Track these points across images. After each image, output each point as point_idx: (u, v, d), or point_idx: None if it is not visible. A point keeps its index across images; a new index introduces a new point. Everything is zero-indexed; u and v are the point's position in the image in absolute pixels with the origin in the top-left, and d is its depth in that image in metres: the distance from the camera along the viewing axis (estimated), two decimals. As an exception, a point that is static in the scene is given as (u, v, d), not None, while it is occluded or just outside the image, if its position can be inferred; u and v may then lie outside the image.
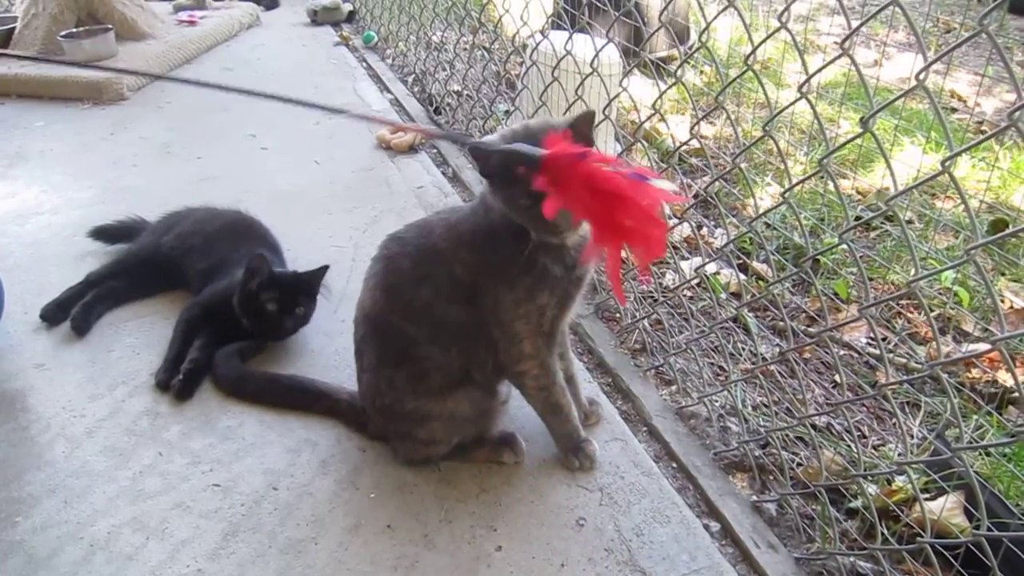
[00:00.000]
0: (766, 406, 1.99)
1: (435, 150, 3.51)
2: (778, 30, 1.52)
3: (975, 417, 1.94)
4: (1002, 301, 2.36)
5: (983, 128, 3.59)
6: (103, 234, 2.63)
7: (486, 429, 1.81)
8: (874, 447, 1.93)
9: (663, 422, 1.98)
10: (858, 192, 3.04)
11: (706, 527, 1.71)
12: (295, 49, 5.06)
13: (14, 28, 4.46)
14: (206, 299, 2.23)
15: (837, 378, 2.11)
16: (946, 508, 1.58)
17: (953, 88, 3.98)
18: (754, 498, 1.78)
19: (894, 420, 1.96)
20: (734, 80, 1.82)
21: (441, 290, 1.64)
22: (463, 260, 1.63)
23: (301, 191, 3.08)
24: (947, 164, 1.17)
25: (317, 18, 5.49)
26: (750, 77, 1.66)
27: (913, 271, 1.30)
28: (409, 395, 1.70)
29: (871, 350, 2.23)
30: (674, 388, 2.10)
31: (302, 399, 1.98)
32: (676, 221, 2.47)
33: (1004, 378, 2.07)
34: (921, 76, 1.17)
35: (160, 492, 1.76)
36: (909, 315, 2.38)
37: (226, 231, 2.41)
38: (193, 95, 4.20)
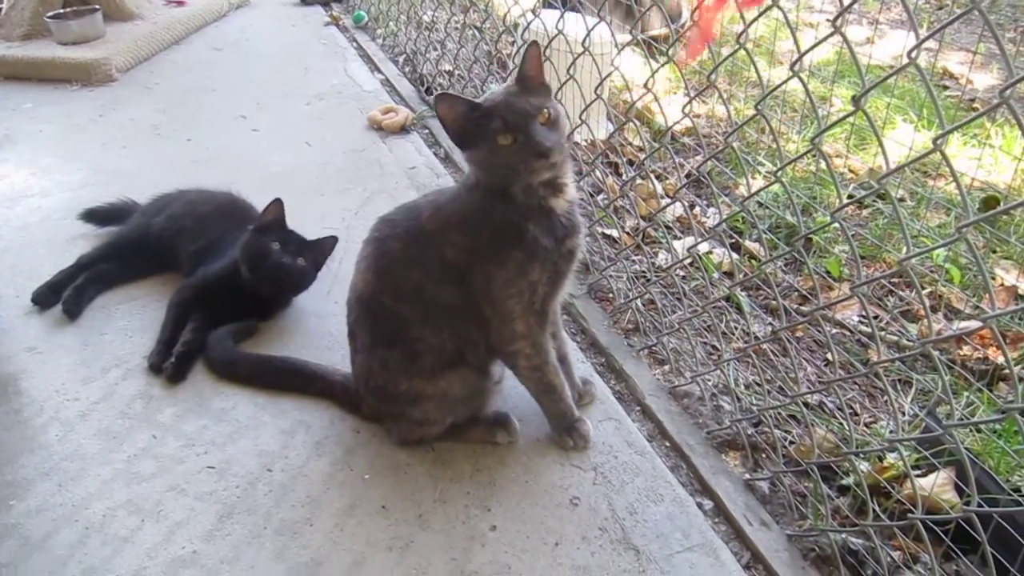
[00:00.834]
0: (759, 385, 2.00)
1: (427, 131, 3.50)
2: (769, 8, 1.51)
3: (966, 394, 1.95)
4: (993, 279, 2.37)
5: (975, 106, 3.59)
6: (94, 216, 2.62)
7: (479, 409, 1.82)
8: (866, 424, 1.95)
9: (656, 401, 1.98)
10: (850, 171, 3.04)
11: (699, 505, 1.72)
12: (285, 29, 5.01)
13: (0, 9, 4.41)
14: (199, 281, 2.22)
15: (829, 356, 2.12)
16: (937, 484, 1.59)
17: (945, 65, 3.97)
18: (747, 476, 1.79)
19: (886, 398, 1.97)
20: (726, 59, 1.81)
21: (432, 272, 1.64)
22: (453, 242, 1.62)
23: (292, 173, 3.07)
24: (939, 142, 1.17)
25: (307, -2, 5.45)
26: (743, 56, 1.66)
27: (905, 249, 1.30)
28: (402, 375, 1.70)
29: (863, 328, 2.24)
30: (667, 367, 2.11)
31: (295, 381, 1.98)
32: (668, 201, 2.47)
33: (995, 355, 2.08)
34: (913, 54, 1.17)
35: (154, 475, 1.76)
36: (901, 293, 2.39)
37: (217, 214, 2.40)
38: (182, 76, 4.16)
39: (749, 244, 2.58)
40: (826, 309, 2.14)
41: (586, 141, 3.02)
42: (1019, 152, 2.97)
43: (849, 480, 1.72)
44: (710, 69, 1.78)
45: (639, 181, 2.72)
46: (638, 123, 2.68)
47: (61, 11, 4.36)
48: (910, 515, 1.42)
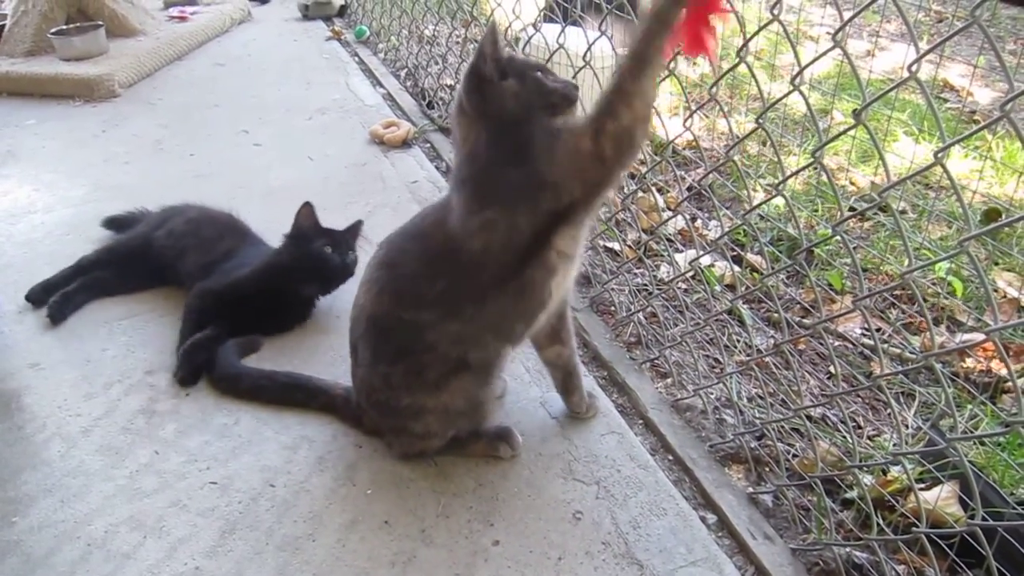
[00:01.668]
0: (761, 398, 1.99)
1: (428, 145, 3.51)
2: (771, 22, 1.52)
3: (969, 407, 1.95)
4: (995, 291, 2.36)
5: (976, 118, 3.60)
6: (113, 224, 2.68)
7: (481, 423, 1.81)
8: (869, 437, 1.94)
9: (659, 415, 1.98)
10: (851, 183, 3.05)
11: (703, 519, 1.71)
12: (287, 44, 5.04)
13: (3, 26, 4.44)
14: (220, 286, 2.22)
15: (832, 369, 2.12)
16: (941, 498, 1.59)
17: (945, 77, 3.98)
18: (750, 490, 1.78)
19: (889, 410, 1.97)
20: (727, 72, 1.81)
21: (461, 275, 1.60)
22: (483, 224, 1.56)
23: (295, 187, 3.07)
24: (940, 156, 1.17)
25: (308, 13, 5.47)
26: (744, 70, 1.66)
27: (907, 262, 1.30)
28: (404, 390, 1.69)
29: (866, 340, 2.23)
30: (669, 381, 2.11)
31: (298, 395, 1.98)
32: (670, 214, 2.47)
33: (998, 367, 2.08)
34: (913, 68, 1.17)
35: (157, 490, 1.76)
36: (903, 306, 2.38)
37: (218, 233, 2.41)
38: (185, 91, 4.19)
39: (751, 257, 2.58)
40: (828, 322, 2.14)
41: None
42: (1020, 164, 2.98)
43: (853, 493, 1.72)
44: (711, 83, 1.79)
45: (640, 194, 2.73)
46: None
47: (64, 28, 4.39)
48: (914, 529, 1.41)
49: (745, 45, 1.59)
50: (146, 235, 2.44)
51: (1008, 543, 1.38)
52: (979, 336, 2.07)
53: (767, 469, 1.84)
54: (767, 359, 2.11)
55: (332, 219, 2.32)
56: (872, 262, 2.54)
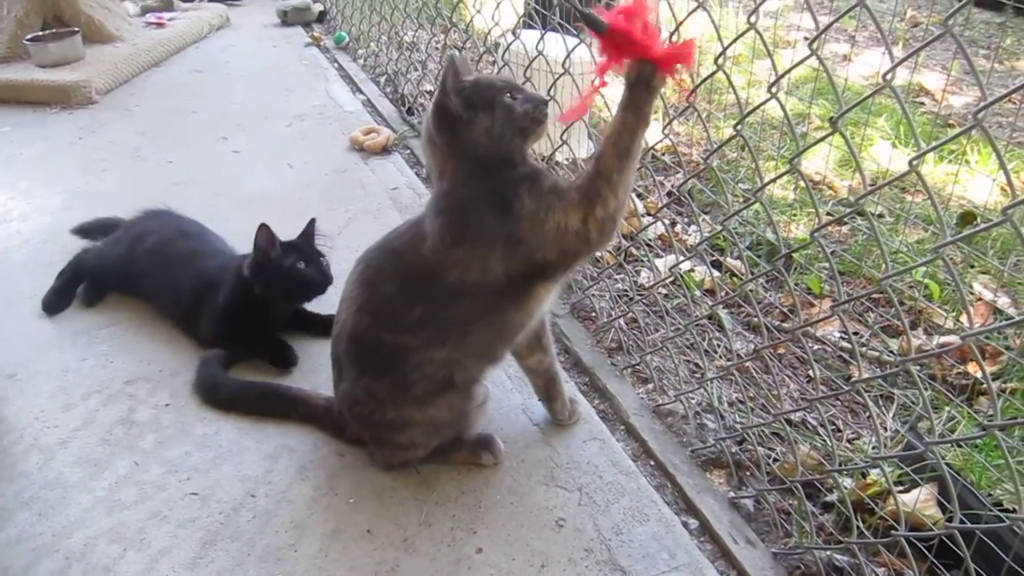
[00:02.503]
0: (742, 402, 2.00)
1: (408, 151, 3.50)
2: (747, 31, 1.53)
3: (947, 409, 1.97)
4: (971, 293, 2.39)
5: (951, 122, 3.64)
6: (85, 232, 2.65)
7: (464, 430, 1.81)
8: (848, 440, 1.96)
9: (640, 420, 1.99)
10: (830, 187, 3.07)
11: (685, 524, 1.72)
12: (266, 50, 5.02)
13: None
14: (204, 336, 2.21)
15: (811, 372, 2.13)
16: (920, 500, 1.60)
17: (920, 82, 4.02)
18: (732, 494, 1.79)
19: (868, 413, 1.98)
20: (705, 80, 1.83)
21: (439, 303, 1.59)
22: (457, 262, 1.56)
23: (274, 194, 3.06)
24: (915, 163, 1.19)
25: (287, 19, 5.45)
26: (721, 76, 1.67)
27: (884, 266, 1.32)
28: (390, 404, 1.69)
29: (844, 344, 2.25)
30: (651, 386, 2.11)
31: (278, 405, 1.97)
32: (650, 220, 2.48)
33: (974, 369, 2.10)
34: (888, 76, 1.19)
35: (136, 502, 1.74)
36: (881, 309, 2.40)
37: (186, 257, 2.36)
38: (163, 98, 4.16)
39: (730, 261, 2.59)
40: (807, 327, 2.16)
41: (568, 160, 3.03)
42: (993, 167, 3.02)
43: (833, 497, 1.73)
44: (690, 90, 1.80)
45: (621, 200, 2.73)
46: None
47: (40, 34, 4.35)
48: (894, 532, 1.43)
49: (723, 54, 1.60)
50: (126, 252, 2.39)
51: (986, 545, 1.40)
52: (955, 339, 2.09)
53: (748, 473, 1.85)
54: (747, 364, 2.12)
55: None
56: (850, 266, 2.56)
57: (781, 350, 2.26)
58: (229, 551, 1.62)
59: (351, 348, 1.70)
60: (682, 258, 2.15)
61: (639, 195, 2.98)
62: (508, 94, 1.56)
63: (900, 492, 1.63)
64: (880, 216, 2.83)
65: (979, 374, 2.05)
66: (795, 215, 2.81)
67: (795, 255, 2.53)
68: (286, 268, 2.11)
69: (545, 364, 1.89)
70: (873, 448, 1.85)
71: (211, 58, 4.85)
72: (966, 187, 2.98)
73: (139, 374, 2.12)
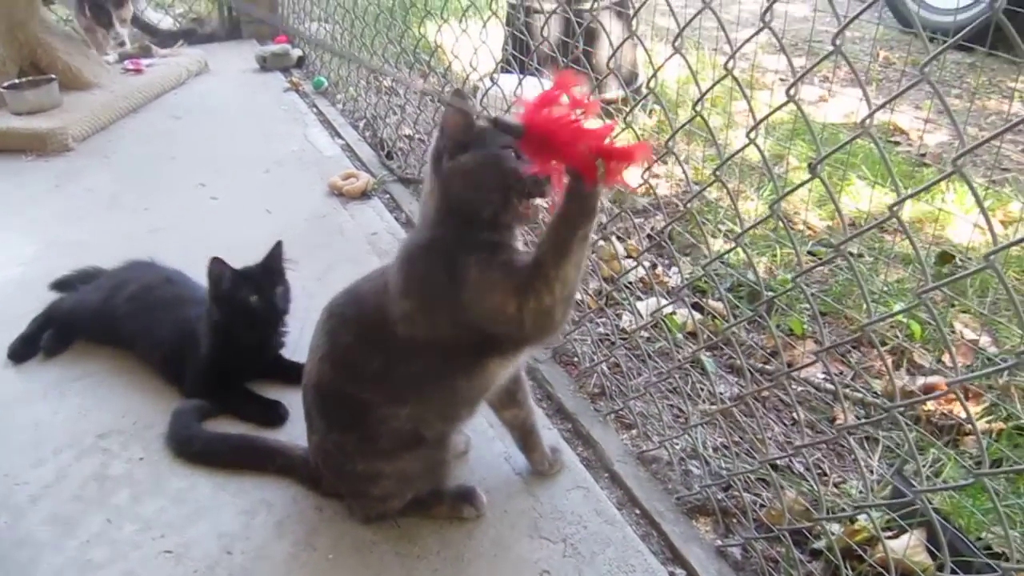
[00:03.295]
0: (726, 448, 1.98)
1: (388, 195, 3.49)
2: (725, 77, 1.54)
3: (932, 451, 1.95)
4: (952, 333, 2.39)
5: (926, 161, 3.68)
6: (63, 286, 2.60)
7: (441, 482, 1.77)
8: (835, 485, 1.94)
9: (624, 467, 1.96)
10: (808, 227, 3.09)
11: (671, 575, 1.69)
12: (244, 96, 5.02)
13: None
14: (191, 386, 2.18)
15: (796, 415, 2.12)
16: (908, 547, 1.58)
17: (894, 121, 4.07)
18: (718, 543, 1.76)
19: (853, 456, 1.97)
20: (683, 126, 1.83)
21: (394, 358, 1.57)
22: (404, 314, 1.54)
23: (253, 241, 2.99)
24: (895, 209, 1.19)
25: (266, 64, 5.46)
26: (700, 120, 1.68)
27: (865, 307, 1.31)
28: (359, 456, 1.66)
29: (828, 386, 2.24)
30: (635, 432, 2.09)
31: (254, 458, 1.93)
32: (632, 265, 2.48)
33: (959, 411, 2.09)
34: (866, 123, 1.19)
35: (109, 561, 1.69)
36: (863, 349, 2.40)
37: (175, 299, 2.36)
38: (141, 145, 4.13)
39: (712, 303, 2.59)
40: (791, 372, 2.15)
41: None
42: (971, 206, 3.04)
43: (821, 544, 1.71)
44: (668, 135, 1.81)
45: (600, 243, 2.73)
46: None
47: (16, 81, 4.32)
48: (884, 581, 1.40)
49: (700, 100, 1.61)
50: (105, 301, 2.36)
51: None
52: (939, 378, 2.09)
53: (735, 521, 1.83)
54: (731, 408, 2.10)
55: (291, 274, 2.29)
56: (832, 307, 2.56)
57: (765, 393, 2.25)
58: (204, 612, 1.57)
59: (317, 400, 1.68)
60: (664, 302, 2.14)
61: (619, 238, 2.98)
62: (512, 151, 1.45)
63: (888, 538, 1.61)
64: (860, 256, 2.84)
65: (963, 414, 2.04)
66: (775, 256, 2.81)
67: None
68: (237, 301, 2.10)
69: (520, 418, 1.86)
70: (860, 493, 1.83)
71: (190, 104, 4.83)
72: (943, 225, 3.00)
73: (113, 427, 2.07)
